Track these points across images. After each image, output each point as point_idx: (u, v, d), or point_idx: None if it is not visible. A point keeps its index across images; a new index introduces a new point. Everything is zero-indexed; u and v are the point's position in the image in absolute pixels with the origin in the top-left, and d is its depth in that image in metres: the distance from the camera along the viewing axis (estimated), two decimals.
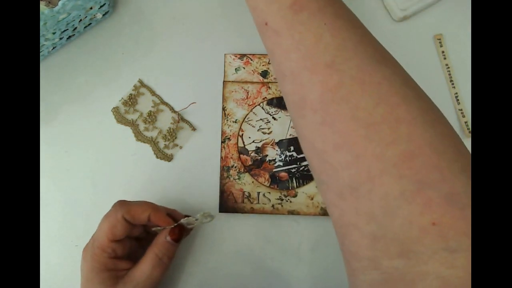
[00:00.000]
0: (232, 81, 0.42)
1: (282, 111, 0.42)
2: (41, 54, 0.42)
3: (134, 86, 0.43)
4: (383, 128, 0.23)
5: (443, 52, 0.43)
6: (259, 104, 0.42)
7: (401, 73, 0.26)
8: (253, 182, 0.41)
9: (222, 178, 0.41)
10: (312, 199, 0.40)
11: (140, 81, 0.44)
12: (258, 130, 0.41)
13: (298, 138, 0.29)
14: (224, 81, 0.42)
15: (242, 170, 0.41)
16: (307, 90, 0.26)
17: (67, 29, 0.41)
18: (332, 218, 0.27)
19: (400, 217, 0.22)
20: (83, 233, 0.42)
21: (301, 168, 0.41)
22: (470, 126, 0.42)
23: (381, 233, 0.23)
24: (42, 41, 0.40)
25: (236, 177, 0.41)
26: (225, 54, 0.43)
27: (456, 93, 0.42)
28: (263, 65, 0.42)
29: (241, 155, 0.41)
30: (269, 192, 0.40)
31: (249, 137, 0.41)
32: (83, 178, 0.43)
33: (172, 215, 0.36)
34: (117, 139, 0.43)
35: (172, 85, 0.44)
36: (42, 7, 0.39)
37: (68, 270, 0.41)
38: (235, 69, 0.42)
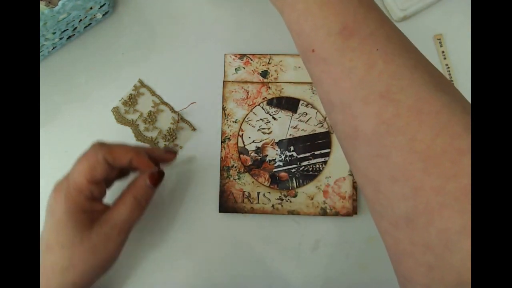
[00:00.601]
0: (232, 81, 0.42)
1: (282, 111, 0.42)
2: (41, 54, 0.42)
3: (134, 86, 0.43)
4: (443, 160, 0.22)
5: (443, 52, 0.43)
6: (259, 104, 0.42)
7: (460, 99, 0.25)
8: (253, 182, 0.41)
9: (222, 178, 0.41)
10: (312, 199, 0.40)
11: (140, 81, 0.44)
12: (258, 130, 0.42)
13: (350, 167, 0.28)
14: (224, 81, 0.42)
15: (242, 170, 0.41)
16: (359, 121, 0.24)
17: (67, 29, 0.41)
18: (386, 245, 0.26)
19: (460, 251, 0.21)
20: None
21: (301, 168, 0.41)
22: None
23: (438, 264, 0.22)
24: (42, 41, 0.40)
25: (236, 177, 0.41)
26: (225, 54, 0.43)
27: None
28: (263, 65, 0.42)
29: (241, 155, 0.41)
30: (269, 192, 0.40)
31: (249, 137, 0.41)
32: None
33: (151, 154, 0.35)
34: (117, 139, 0.43)
35: (172, 85, 0.44)
36: (42, 7, 0.39)
37: None
38: (235, 69, 0.42)
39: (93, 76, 0.44)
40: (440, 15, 0.44)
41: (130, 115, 0.43)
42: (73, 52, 0.44)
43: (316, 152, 0.41)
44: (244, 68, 0.42)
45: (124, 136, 0.43)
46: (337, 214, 0.40)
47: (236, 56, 0.43)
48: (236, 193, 0.41)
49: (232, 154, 0.41)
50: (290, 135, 0.41)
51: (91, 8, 0.41)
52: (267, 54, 0.43)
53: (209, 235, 0.41)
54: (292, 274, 0.40)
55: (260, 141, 0.41)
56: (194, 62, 0.44)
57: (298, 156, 0.41)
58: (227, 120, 0.42)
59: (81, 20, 0.42)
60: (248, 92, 0.42)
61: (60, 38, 0.42)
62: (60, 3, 0.36)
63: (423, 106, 0.23)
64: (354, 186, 0.40)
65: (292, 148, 0.41)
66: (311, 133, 0.41)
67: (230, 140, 0.41)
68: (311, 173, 0.41)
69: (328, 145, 0.41)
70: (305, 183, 0.40)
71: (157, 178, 0.35)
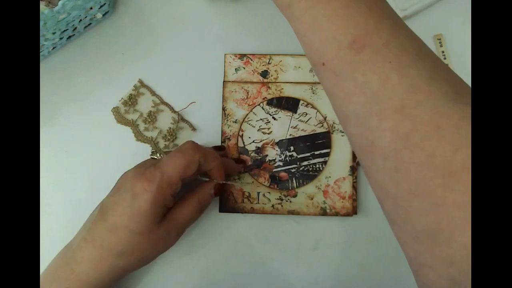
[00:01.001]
0: (232, 81, 0.42)
1: (282, 111, 0.42)
2: (41, 54, 0.42)
3: (134, 86, 0.43)
4: (465, 176, 0.21)
5: (443, 52, 0.43)
6: (259, 104, 0.42)
7: None
8: (253, 182, 0.41)
9: None
10: (312, 199, 0.40)
11: (140, 81, 0.44)
12: (258, 130, 0.41)
13: (367, 178, 0.27)
14: (224, 81, 0.42)
15: (242, 170, 0.41)
16: (376, 136, 0.24)
17: (67, 29, 0.41)
18: (406, 256, 0.26)
19: None
20: None
21: (301, 168, 0.41)
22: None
23: (463, 278, 0.22)
24: (42, 41, 0.40)
25: (236, 177, 0.41)
26: (225, 54, 0.43)
27: None
28: (263, 65, 0.42)
29: (241, 155, 0.41)
30: (269, 192, 0.40)
31: (249, 137, 0.41)
32: (83, 178, 0.43)
33: (226, 164, 0.38)
34: (117, 139, 0.43)
35: (172, 85, 0.44)
36: (42, 7, 0.39)
37: None
38: (235, 69, 0.42)
39: (93, 76, 0.44)
40: (440, 15, 0.44)
41: (130, 115, 0.43)
42: (73, 52, 0.44)
43: (316, 152, 0.41)
44: (244, 68, 0.42)
45: (124, 136, 0.43)
46: (337, 214, 0.40)
47: (236, 56, 0.43)
48: (236, 193, 0.41)
49: (232, 154, 0.41)
50: (290, 135, 0.41)
51: (91, 8, 0.41)
52: (267, 54, 0.43)
53: (209, 235, 0.41)
54: (292, 274, 0.40)
55: (260, 141, 0.41)
56: (194, 62, 0.44)
57: (298, 156, 0.41)
58: (227, 120, 0.42)
59: (81, 20, 0.42)
60: (248, 92, 0.42)
61: (60, 38, 0.42)
62: (60, 3, 0.36)
63: (441, 120, 0.22)
64: (354, 186, 0.40)
65: (292, 148, 0.41)
66: (311, 133, 0.41)
67: (230, 140, 0.41)
68: (311, 173, 0.41)
69: (328, 145, 0.41)
70: (305, 183, 0.40)
71: (221, 189, 0.37)
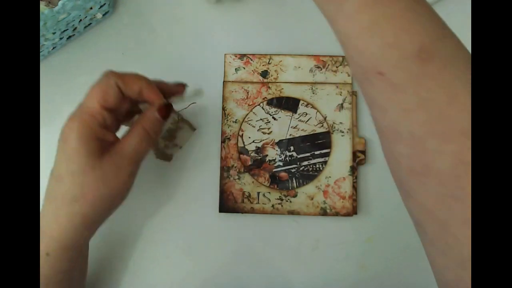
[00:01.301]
0: (232, 81, 0.42)
1: (282, 111, 0.42)
2: (41, 54, 0.42)
3: None
4: None
5: None
6: (259, 104, 0.42)
7: None
8: (253, 182, 0.41)
9: (222, 178, 0.41)
10: (312, 199, 0.40)
11: None
12: (258, 130, 0.41)
13: (403, 196, 0.25)
14: (224, 81, 0.42)
15: (242, 170, 0.41)
16: (433, 158, 0.22)
17: (67, 29, 0.41)
18: (442, 278, 0.25)
19: None
20: None
21: (301, 168, 0.41)
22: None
23: None
24: (42, 41, 0.40)
25: (236, 177, 0.41)
26: (225, 54, 0.43)
27: None
28: (263, 65, 0.42)
29: (241, 155, 0.41)
30: (269, 192, 0.40)
31: (249, 137, 0.41)
32: None
33: (161, 87, 0.35)
34: None
35: None
36: (42, 7, 0.39)
37: None
38: (235, 69, 0.42)
39: (93, 76, 0.44)
40: (440, 15, 0.44)
41: None
42: (73, 52, 0.44)
43: (316, 152, 0.41)
44: (244, 68, 0.42)
45: None
46: (337, 214, 0.40)
47: (236, 56, 0.43)
48: (236, 193, 0.40)
49: (232, 154, 0.41)
50: (290, 135, 0.41)
51: (91, 8, 0.41)
52: (267, 54, 0.43)
53: (209, 235, 0.41)
54: (292, 274, 0.40)
55: (260, 141, 0.41)
56: (194, 62, 0.44)
57: (298, 156, 0.41)
58: (227, 120, 0.42)
59: (81, 20, 0.42)
60: (248, 92, 0.42)
61: (60, 38, 0.42)
62: (60, 3, 0.36)
63: None
64: (354, 186, 0.40)
65: (292, 148, 0.41)
66: (311, 133, 0.41)
67: (230, 140, 0.41)
68: (311, 173, 0.41)
69: (328, 145, 0.41)
70: (305, 183, 0.40)
71: (166, 110, 0.34)
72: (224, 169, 0.41)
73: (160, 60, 0.44)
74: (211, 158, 0.42)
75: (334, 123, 0.41)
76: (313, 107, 0.42)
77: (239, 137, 0.41)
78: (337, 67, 0.42)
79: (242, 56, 0.43)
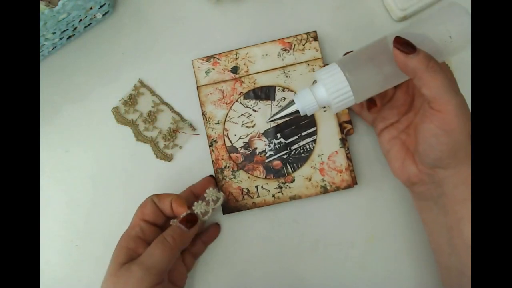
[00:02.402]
0: (205, 85, 0.42)
1: (260, 101, 0.41)
2: (41, 54, 0.42)
3: (134, 86, 0.43)
4: None
5: None
6: (236, 101, 0.42)
7: None
8: (248, 177, 0.41)
9: (218, 180, 0.41)
10: (310, 180, 0.40)
11: (140, 81, 0.44)
12: (242, 126, 0.41)
13: None
14: (197, 86, 0.42)
15: (235, 168, 0.41)
16: None
17: (67, 29, 0.41)
18: None
19: None
20: (83, 233, 0.42)
21: (292, 153, 0.41)
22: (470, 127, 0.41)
23: None
24: (42, 41, 0.40)
25: (231, 176, 0.41)
26: (192, 60, 0.42)
27: None
28: (231, 62, 0.42)
29: (231, 154, 0.41)
30: (267, 183, 0.40)
31: (235, 135, 0.41)
32: (83, 178, 0.43)
33: (193, 189, 0.39)
34: (117, 139, 0.43)
35: (172, 85, 0.44)
36: (42, 7, 0.39)
37: (68, 269, 0.41)
38: (205, 72, 0.42)
39: (93, 76, 0.44)
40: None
41: (130, 115, 0.43)
42: (73, 52, 0.44)
43: (303, 133, 0.41)
44: (213, 69, 0.42)
45: (124, 136, 0.43)
46: (338, 188, 0.40)
47: (203, 60, 0.42)
48: (235, 192, 0.41)
49: (222, 155, 0.41)
50: (274, 123, 0.41)
51: (91, 8, 0.41)
52: (232, 50, 0.42)
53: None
54: (292, 274, 0.40)
55: (246, 136, 0.41)
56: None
57: (287, 141, 0.41)
58: (209, 123, 0.42)
59: (81, 20, 0.42)
60: (223, 92, 0.42)
61: (60, 38, 0.42)
62: (60, 3, 0.36)
63: None
64: (348, 157, 0.40)
65: (279, 135, 0.41)
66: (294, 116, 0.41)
67: (217, 142, 0.41)
68: (303, 155, 0.41)
69: (313, 123, 0.41)
70: (299, 166, 0.40)
71: (188, 219, 0.36)
72: (218, 171, 0.41)
73: (160, 60, 0.44)
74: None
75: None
76: (289, 90, 0.41)
77: (225, 137, 0.41)
78: (303, 45, 0.42)
79: (209, 58, 0.42)
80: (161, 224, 0.37)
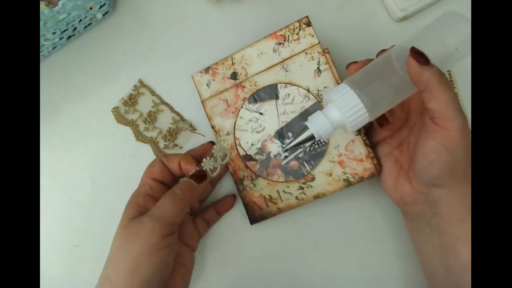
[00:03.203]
0: (209, 97, 0.41)
1: (265, 103, 0.40)
2: (41, 54, 0.42)
3: (134, 86, 0.43)
4: None
5: None
6: (241, 107, 0.41)
7: None
8: (268, 183, 0.39)
9: (239, 191, 0.40)
10: (331, 175, 0.38)
11: (140, 81, 0.44)
12: (252, 132, 0.40)
13: None
14: (202, 101, 0.41)
15: (253, 176, 0.40)
16: None
17: (67, 29, 0.41)
18: None
19: None
20: (83, 233, 0.42)
21: (307, 150, 0.39)
22: (470, 126, 0.41)
23: None
24: (42, 41, 0.40)
25: (251, 185, 0.40)
26: (192, 76, 0.42)
27: (456, 93, 0.42)
28: (229, 68, 0.41)
29: (247, 163, 0.40)
30: (288, 186, 0.39)
31: (247, 142, 0.40)
32: (83, 178, 0.43)
33: (193, 153, 0.39)
34: (117, 139, 0.43)
35: (172, 85, 0.44)
36: (42, 7, 0.39)
37: (68, 269, 0.41)
38: (206, 84, 0.41)
39: (93, 76, 0.44)
40: (439, 15, 0.44)
41: (130, 115, 0.43)
42: (73, 52, 0.44)
43: None
44: (214, 80, 0.41)
45: (124, 136, 0.43)
46: (361, 179, 0.38)
47: (202, 73, 0.41)
48: (258, 200, 0.39)
49: (239, 165, 0.40)
50: (282, 122, 0.40)
51: (91, 8, 0.41)
52: (227, 56, 0.41)
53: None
54: (292, 274, 0.40)
55: (258, 141, 0.40)
56: (194, 62, 0.44)
57: None
58: (220, 136, 0.41)
59: (81, 20, 0.42)
60: (227, 101, 0.41)
61: (60, 38, 0.42)
62: (60, 3, 0.36)
63: None
64: (366, 144, 0.38)
65: (290, 134, 0.40)
66: (302, 110, 0.40)
67: (231, 153, 0.40)
68: (318, 150, 0.39)
69: None
70: (317, 163, 0.39)
71: (196, 174, 0.36)
72: (238, 183, 0.40)
73: (160, 60, 0.44)
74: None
75: (318, 90, 0.39)
76: (292, 84, 0.40)
77: (237, 147, 0.40)
78: (297, 34, 0.40)
79: (207, 69, 0.41)
80: (169, 183, 0.37)
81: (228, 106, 0.41)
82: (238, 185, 0.40)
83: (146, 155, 0.42)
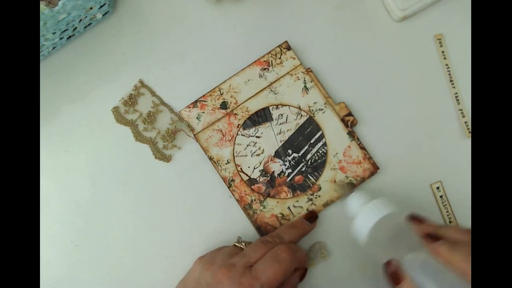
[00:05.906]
0: (202, 130, 0.42)
1: (260, 126, 0.42)
2: (41, 54, 0.42)
3: (134, 86, 0.43)
4: None
5: (443, 52, 0.43)
6: (237, 134, 0.42)
7: None
8: (277, 202, 0.41)
9: (249, 216, 0.40)
10: (335, 182, 0.40)
11: (141, 81, 0.44)
12: (252, 156, 0.41)
13: None
14: (194, 135, 0.42)
15: (261, 198, 0.41)
16: None
17: (67, 29, 0.41)
18: None
19: None
20: (83, 233, 0.42)
21: (309, 163, 0.41)
22: (470, 126, 0.42)
23: None
24: (42, 41, 0.40)
25: (261, 207, 0.40)
26: (179, 112, 0.42)
27: (456, 93, 0.42)
28: (218, 99, 0.42)
29: (253, 186, 0.41)
30: (297, 201, 0.41)
31: (248, 167, 0.41)
32: (83, 178, 0.43)
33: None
34: (116, 139, 0.43)
35: (172, 85, 0.44)
36: (42, 7, 0.39)
37: (68, 270, 0.41)
38: (197, 117, 0.42)
39: (93, 76, 0.44)
40: (440, 15, 0.44)
41: (130, 115, 0.43)
42: (73, 52, 0.44)
43: (311, 141, 0.41)
44: (203, 112, 0.42)
45: (124, 136, 0.43)
46: (363, 180, 0.40)
47: (190, 107, 0.42)
48: (270, 221, 0.40)
49: (245, 191, 0.41)
50: (280, 141, 0.41)
51: (91, 8, 0.41)
52: (214, 88, 0.42)
53: None
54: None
55: (260, 164, 0.41)
56: (194, 62, 0.44)
57: (299, 154, 0.41)
58: (220, 165, 0.41)
59: (81, 20, 0.42)
60: (221, 130, 0.42)
61: (60, 38, 0.42)
62: (60, 3, 0.36)
63: None
64: (361, 147, 0.41)
65: (289, 151, 0.41)
66: (297, 128, 0.41)
67: (234, 181, 0.41)
68: (319, 161, 0.41)
69: (317, 128, 0.41)
70: (320, 173, 0.41)
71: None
72: (247, 208, 0.41)
73: (160, 60, 0.44)
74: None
75: (309, 106, 0.42)
76: (283, 105, 0.42)
77: (240, 173, 0.41)
78: (280, 58, 0.42)
79: (194, 103, 0.42)
80: None
81: (223, 135, 0.42)
82: (247, 211, 0.41)
83: (145, 156, 0.42)
